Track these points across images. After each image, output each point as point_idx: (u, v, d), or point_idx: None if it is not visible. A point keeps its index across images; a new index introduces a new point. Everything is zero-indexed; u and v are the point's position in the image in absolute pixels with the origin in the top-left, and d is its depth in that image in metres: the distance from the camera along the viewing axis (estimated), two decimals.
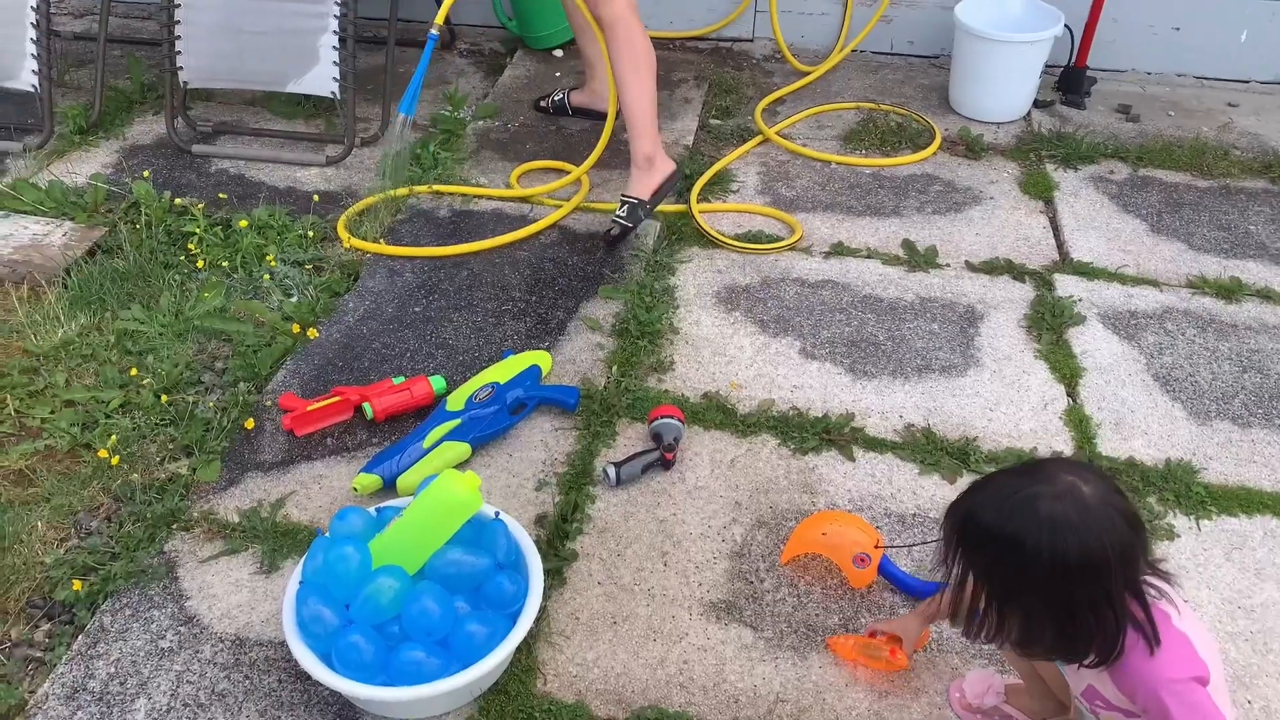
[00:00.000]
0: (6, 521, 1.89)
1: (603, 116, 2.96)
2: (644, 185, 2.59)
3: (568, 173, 2.92)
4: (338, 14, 2.88)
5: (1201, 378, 2.25)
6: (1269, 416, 2.15)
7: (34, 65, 2.96)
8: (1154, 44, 3.44)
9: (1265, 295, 2.49)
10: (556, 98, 3.21)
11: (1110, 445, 2.07)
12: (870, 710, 1.60)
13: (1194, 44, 3.41)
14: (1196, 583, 1.80)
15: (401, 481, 1.93)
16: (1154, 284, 2.53)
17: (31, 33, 2.94)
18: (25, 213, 2.72)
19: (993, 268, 2.58)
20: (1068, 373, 2.25)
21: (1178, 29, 3.40)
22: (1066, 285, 2.52)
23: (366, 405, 2.10)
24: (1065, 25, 3.14)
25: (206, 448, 2.06)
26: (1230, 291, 2.49)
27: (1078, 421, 2.12)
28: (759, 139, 3.13)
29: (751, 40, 3.72)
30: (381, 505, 1.74)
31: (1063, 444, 2.07)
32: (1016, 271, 2.57)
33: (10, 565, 1.81)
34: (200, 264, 2.56)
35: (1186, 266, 2.60)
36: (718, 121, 3.22)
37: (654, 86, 2.58)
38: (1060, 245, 2.68)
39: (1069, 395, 2.20)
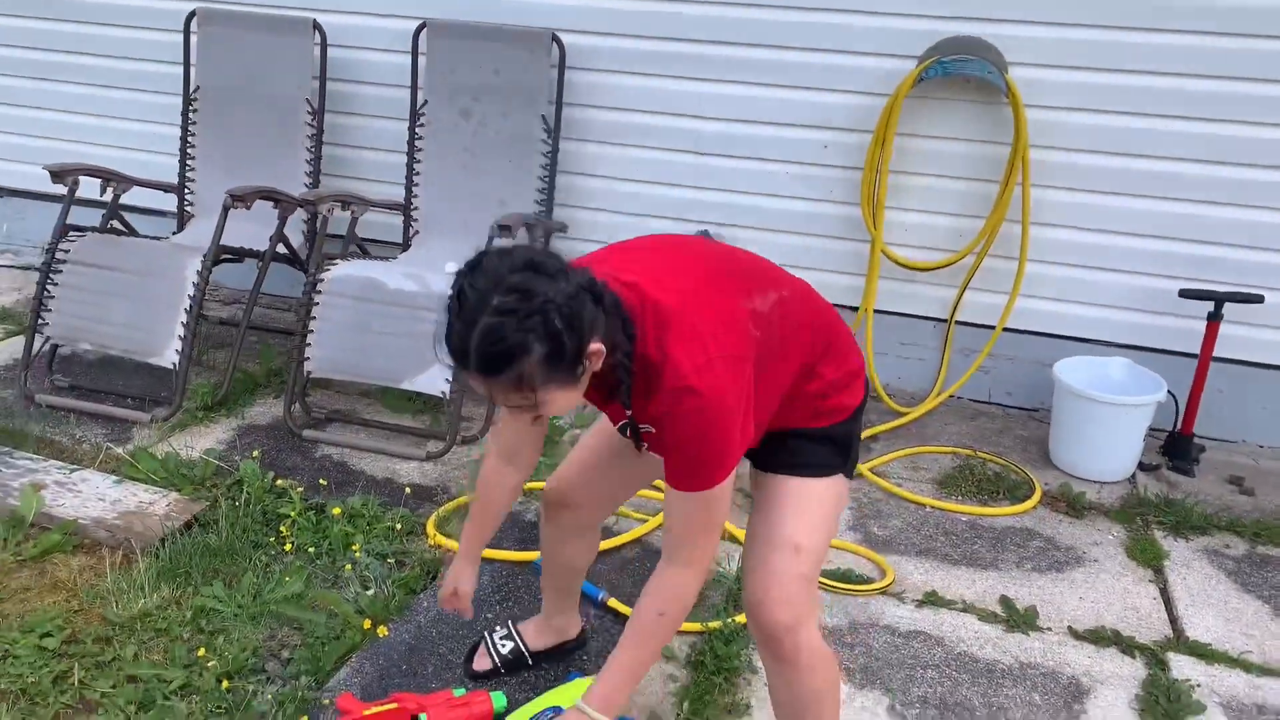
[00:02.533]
0: None
1: None
2: None
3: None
4: None
5: None
6: None
7: (178, 345, 3.21)
8: (1264, 418, 3.39)
9: None
10: None
11: None
12: None
13: None
14: None
15: None
16: None
17: (183, 317, 3.22)
18: (138, 480, 2.84)
19: (1099, 637, 2.42)
20: None
21: None
22: (1182, 666, 2.33)
23: (423, 716, 2.00)
24: (1169, 392, 3.14)
25: None
26: None
27: None
28: None
29: None
30: None
31: None
32: (1125, 644, 2.39)
33: None
34: (288, 547, 2.59)
35: None
36: None
37: None
38: (1174, 620, 2.51)
39: None
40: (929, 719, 2.13)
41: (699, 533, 1.56)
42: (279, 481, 2.86)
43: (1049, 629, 2.45)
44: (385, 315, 3.14)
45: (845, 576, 2.60)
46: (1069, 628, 2.45)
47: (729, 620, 2.36)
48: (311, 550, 2.59)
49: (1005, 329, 3.56)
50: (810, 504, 1.69)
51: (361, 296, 3.16)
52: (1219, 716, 2.18)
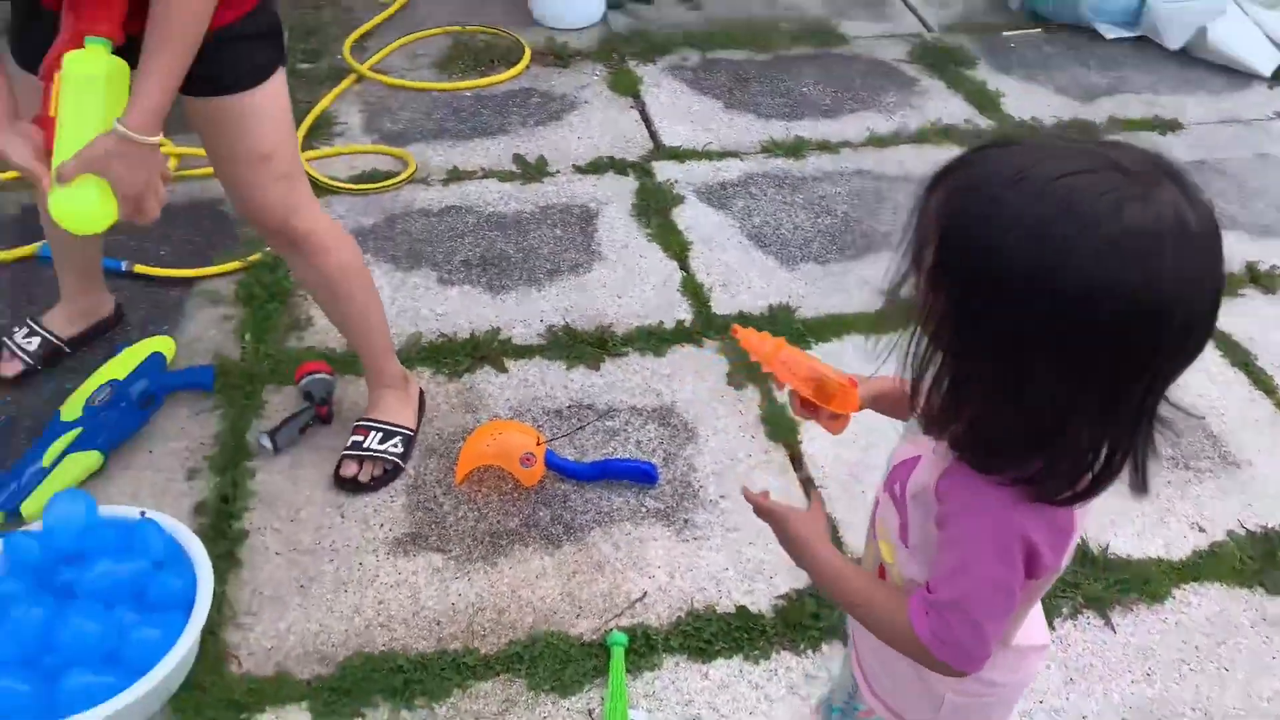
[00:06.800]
0: None
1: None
2: (409, 411, 1.96)
3: None
4: None
5: (785, 230, 2.55)
6: (841, 250, 2.50)
7: None
8: None
9: (823, 147, 2.86)
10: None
11: (722, 304, 2.32)
12: (562, 592, 1.72)
13: None
14: None
15: (26, 508, 1.75)
16: (736, 155, 2.82)
17: None
18: None
19: (598, 167, 2.74)
20: (677, 248, 2.47)
21: None
22: (664, 170, 2.74)
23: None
24: None
25: None
26: (796, 150, 2.83)
27: (693, 290, 2.35)
28: (353, 77, 3.06)
29: None
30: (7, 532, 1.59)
31: (684, 312, 2.29)
32: (619, 167, 2.75)
33: None
34: None
35: (758, 134, 2.91)
36: (307, 65, 3.10)
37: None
38: (653, 135, 2.89)
39: (682, 268, 2.42)
40: (474, 276, 2.37)
41: None
42: None
43: (558, 172, 2.73)
44: None
45: (371, 177, 2.66)
46: (574, 166, 2.75)
47: (267, 250, 2.36)
48: None
49: None
50: (267, 110, 1.56)
51: None
52: (695, 201, 2.64)
